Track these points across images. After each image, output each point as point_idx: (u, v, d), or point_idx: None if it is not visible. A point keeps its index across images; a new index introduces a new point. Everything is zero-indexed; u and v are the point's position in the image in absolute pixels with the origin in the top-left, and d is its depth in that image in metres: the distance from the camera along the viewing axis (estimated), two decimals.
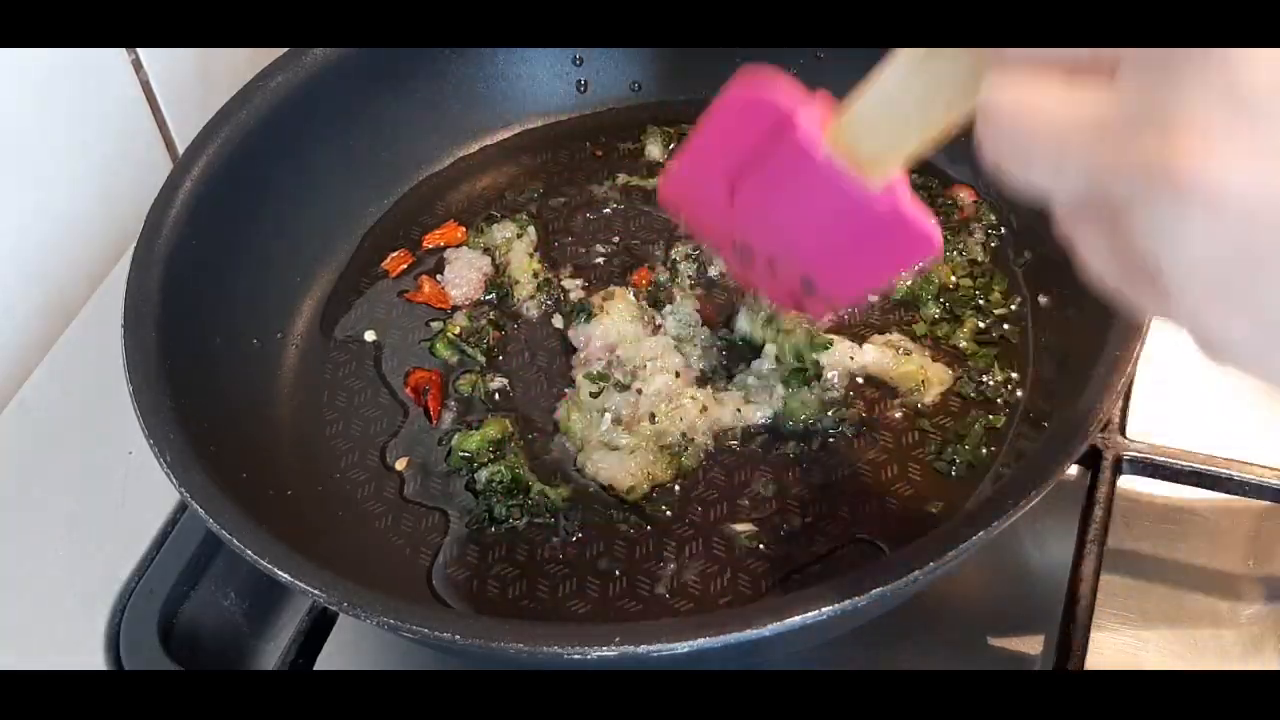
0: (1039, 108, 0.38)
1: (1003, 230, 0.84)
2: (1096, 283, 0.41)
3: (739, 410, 0.76)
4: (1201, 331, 0.38)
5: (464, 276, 0.86)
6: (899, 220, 0.50)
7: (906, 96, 0.46)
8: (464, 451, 0.76)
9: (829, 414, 0.75)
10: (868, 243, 0.53)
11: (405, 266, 0.88)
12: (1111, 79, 0.37)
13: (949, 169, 0.87)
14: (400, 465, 0.77)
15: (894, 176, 0.50)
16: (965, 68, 0.44)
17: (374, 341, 0.84)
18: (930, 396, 0.75)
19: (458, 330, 0.83)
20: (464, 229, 0.89)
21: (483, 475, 0.74)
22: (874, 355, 0.77)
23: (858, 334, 0.78)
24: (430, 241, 0.89)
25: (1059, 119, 0.38)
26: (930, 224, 0.50)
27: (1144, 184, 0.35)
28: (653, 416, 0.75)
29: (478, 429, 0.77)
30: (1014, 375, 0.76)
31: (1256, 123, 0.33)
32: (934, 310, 0.80)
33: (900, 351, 0.77)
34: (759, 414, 0.76)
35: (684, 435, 0.75)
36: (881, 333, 0.79)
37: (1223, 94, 0.34)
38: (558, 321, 0.83)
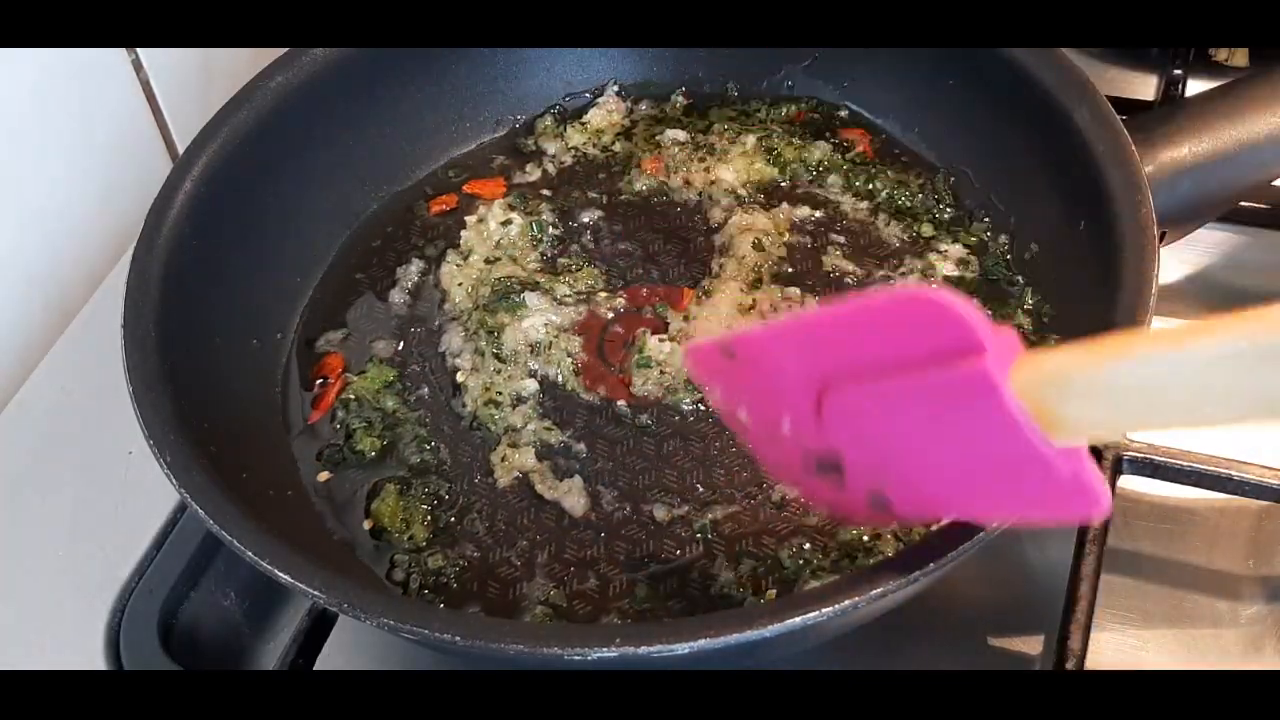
0: None
1: (1002, 238, 0.83)
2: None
3: None
4: None
5: None
6: (1077, 484, 0.46)
7: (1188, 385, 0.41)
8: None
9: None
10: (1016, 485, 0.48)
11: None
12: None
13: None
14: (322, 478, 0.75)
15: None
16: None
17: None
18: None
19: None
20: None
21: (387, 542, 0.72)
22: None
23: None
24: None
25: None
26: (1103, 488, 0.47)
27: None
28: None
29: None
30: None
31: None
32: None
33: None
34: None
35: None
36: None
37: None
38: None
